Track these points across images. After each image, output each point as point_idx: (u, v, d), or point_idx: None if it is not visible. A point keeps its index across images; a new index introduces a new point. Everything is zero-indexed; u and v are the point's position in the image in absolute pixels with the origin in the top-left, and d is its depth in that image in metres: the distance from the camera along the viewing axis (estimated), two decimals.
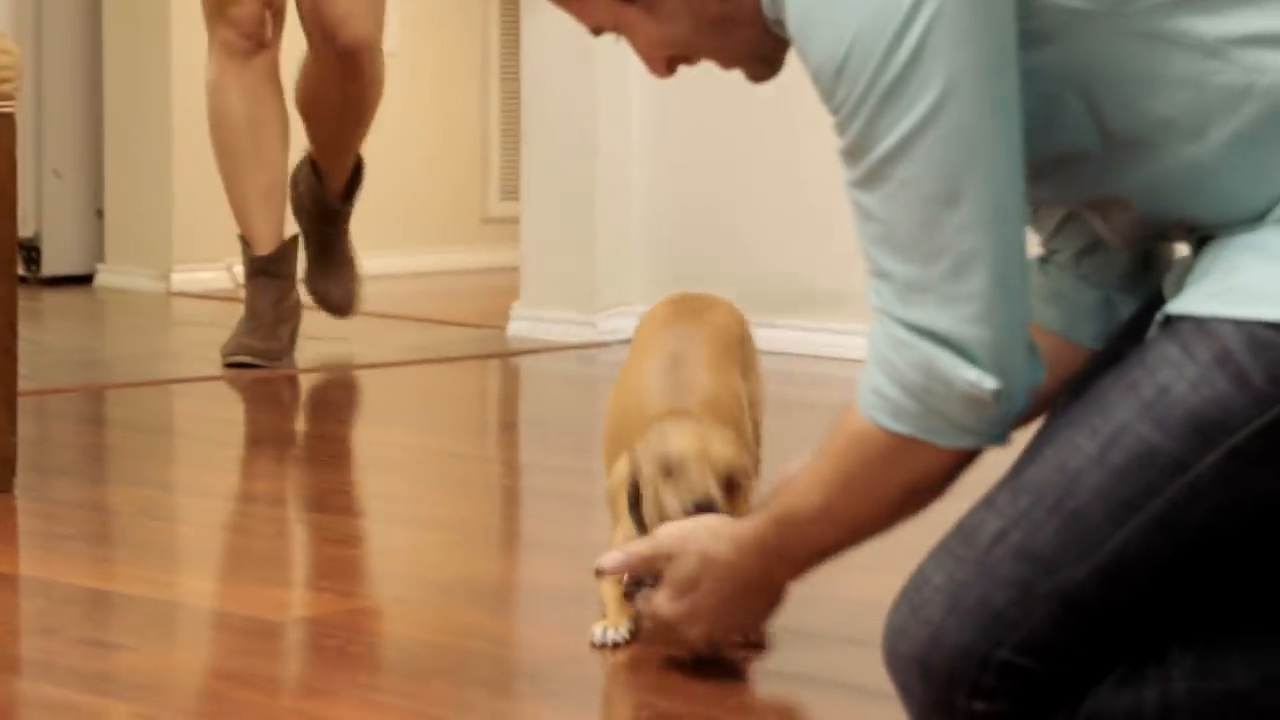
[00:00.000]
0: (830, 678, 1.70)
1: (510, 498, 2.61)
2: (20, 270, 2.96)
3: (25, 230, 4.56)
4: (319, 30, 3.28)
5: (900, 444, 1.40)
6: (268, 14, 3.29)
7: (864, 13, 1.34)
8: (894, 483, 1.43)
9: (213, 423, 2.95)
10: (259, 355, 3.28)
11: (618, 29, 1.53)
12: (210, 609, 1.99)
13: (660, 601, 1.61)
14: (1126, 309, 1.56)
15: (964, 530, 1.41)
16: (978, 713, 1.39)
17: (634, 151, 3.78)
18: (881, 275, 1.39)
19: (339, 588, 2.05)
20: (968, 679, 1.39)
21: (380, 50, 3.34)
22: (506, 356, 3.64)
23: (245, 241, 3.41)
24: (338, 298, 3.55)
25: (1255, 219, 1.38)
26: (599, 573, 1.68)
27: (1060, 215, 1.57)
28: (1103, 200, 1.47)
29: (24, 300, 2.61)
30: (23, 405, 2.47)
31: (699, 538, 1.59)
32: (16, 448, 2.43)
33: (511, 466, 2.81)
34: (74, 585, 2.05)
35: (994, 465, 1.44)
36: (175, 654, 1.85)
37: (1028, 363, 1.40)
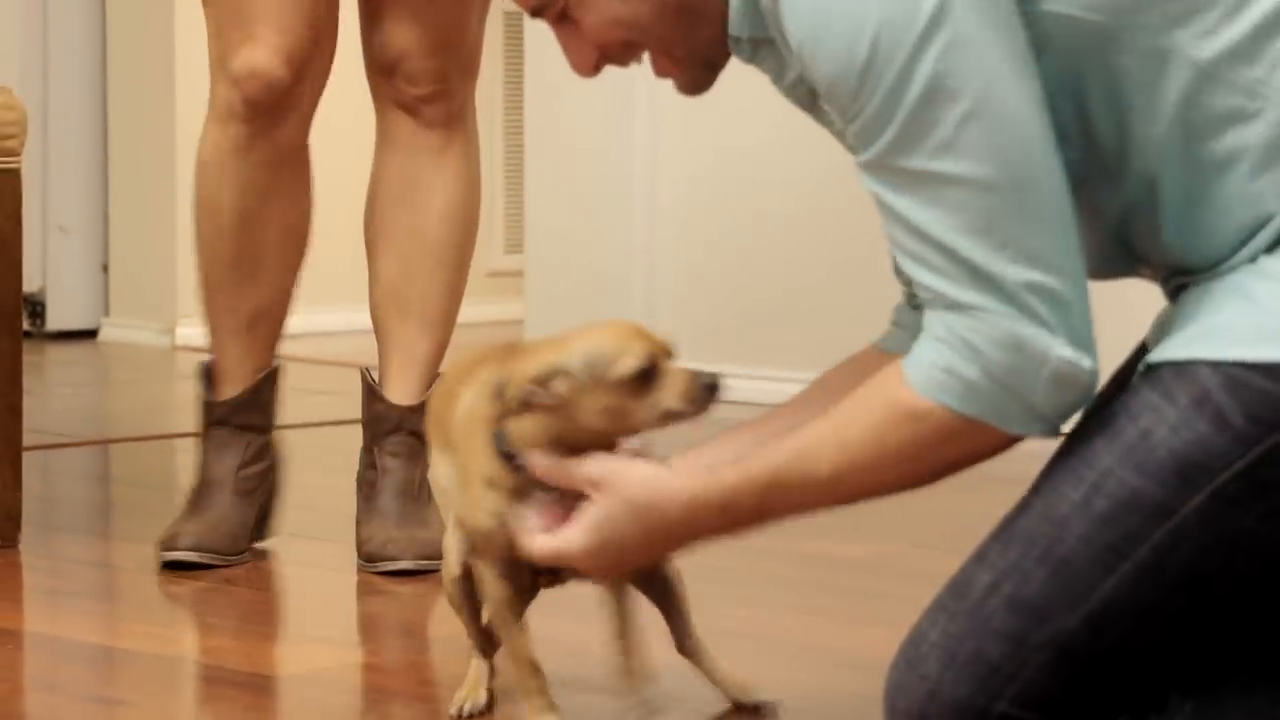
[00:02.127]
0: None
1: None
2: (25, 325, 2.96)
3: (31, 285, 4.58)
4: (377, 63, 2.36)
5: (962, 425, 1.37)
6: (287, 70, 2.28)
7: (879, 18, 1.32)
8: (938, 461, 1.40)
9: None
10: (208, 550, 2.27)
11: (572, 5, 1.45)
12: (213, 664, 2.00)
13: (572, 535, 1.48)
14: None
15: (957, 585, 1.42)
16: None
17: (635, 206, 3.80)
18: (938, 271, 1.35)
19: (341, 642, 2.06)
20: None
21: (470, 121, 2.43)
22: None
23: (206, 377, 2.39)
24: (425, 543, 2.25)
25: (1225, 257, 1.39)
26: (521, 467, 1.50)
27: None
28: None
29: (29, 355, 2.62)
30: (27, 460, 2.48)
31: (633, 484, 1.47)
32: (21, 503, 2.44)
33: None
34: (78, 641, 2.06)
35: (988, 520, 1.45)
36: (178, 710, 1.85)
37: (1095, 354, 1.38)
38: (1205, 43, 1.36)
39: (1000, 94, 1.33)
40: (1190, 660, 1.41)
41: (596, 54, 1.48)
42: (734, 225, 3.72)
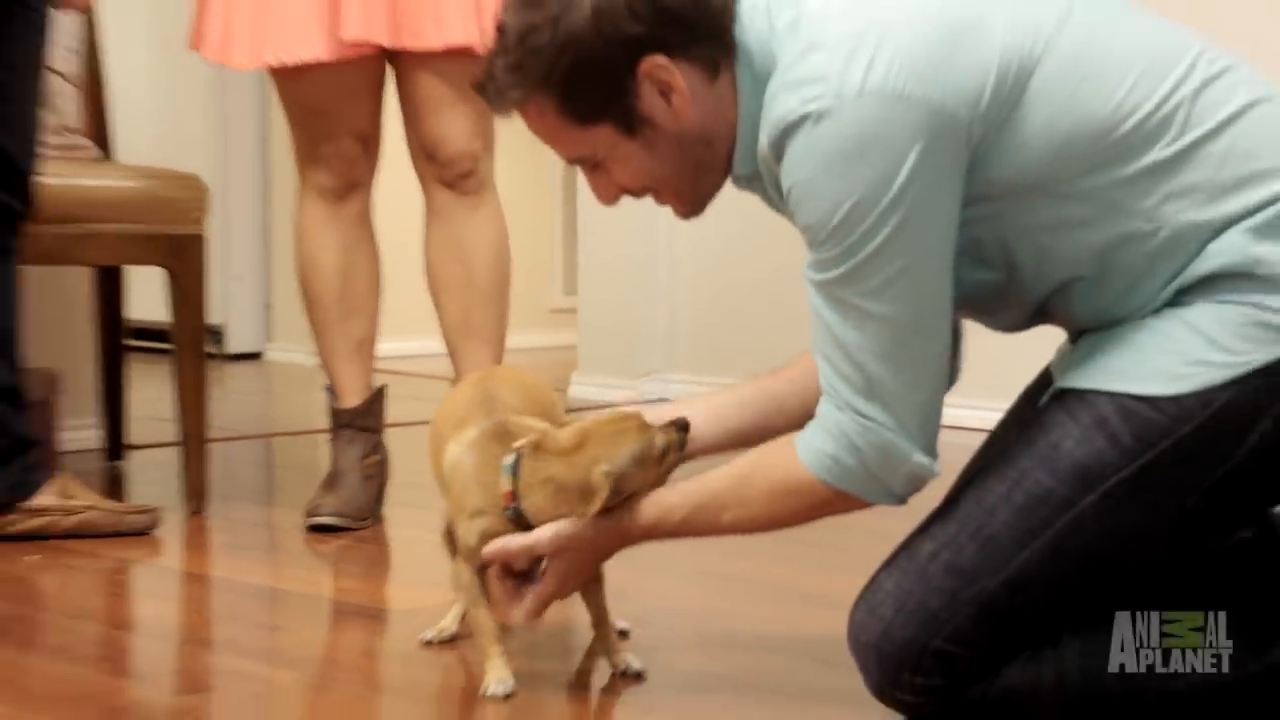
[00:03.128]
0: (807, 654, 1.69)
1: None
2: (209, 349, 2.97)
3: (213, 319, 4.59)
4: (423, 151, 2.34)
5: (836, 496, 1.38)
6: (361, 152, 2.36)
7: (859, 189, 1.28)
8: (811, 517, 1.41)
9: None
10: (343, 516, 2.31)
11: (605, 159, 1.38)
12: (345, 600, 1.99)
13: (546, 588, 1.47)
14: None
15: (907, 550, 1.41)
16: (919, 686, 1.39)
17: (659, 259, 3.79)
18: (844, 377, 1.34)
19: (440, 585, 2.03)
20: (910, 661, 1.38)
21: (492, 186, 2.39)
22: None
23: (332, 393, 2.41)
24: None
25: (1122, 320, 1.37)
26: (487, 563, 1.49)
27: None
28: (993, 305, 1.44)
29: (212, 372, 2.63)
30: (212, 450, 2.49)
31: (574, 538, 1.45)
32: (207, 481, 2.45)
33: None
34: (251, 583, 2.06)
35: (928, 497, 1.43)
36: (319, 634, 1.85)
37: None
38: (1111, 183, 1.33)
39: (924, 262, 1.31)
40: (1080, 610, 1.39)
41: (619, 191, 1.43)
42: (734, 275, 3.71)
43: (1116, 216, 1.33)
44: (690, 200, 1.44)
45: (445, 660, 1.67)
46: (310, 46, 2.24)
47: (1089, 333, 1.40)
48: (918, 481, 1.37)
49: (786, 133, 1.31)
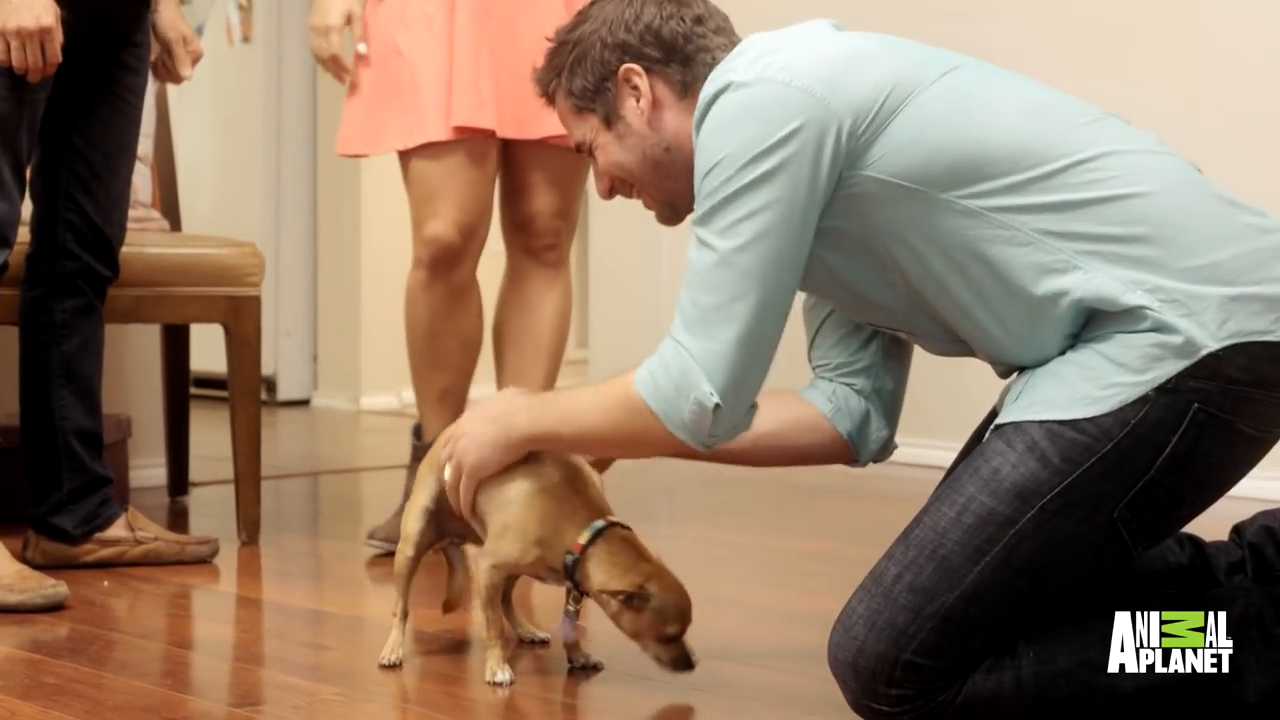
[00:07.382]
0: (792, 669, 1.69)
1: None
2: (263, 396, 2.99)
3: (267, 370, 4.61)
4: (514, 223, 2.37)
5: (645, 411, 1.42)
6: (460, 238, 2.29)
7: (734, 145, 1.37)
8: (630, 430, 1.44)
9: (390, 497, 2.95)
10: (392, 541, 2.26)
11: (594, 147, 1.51)
12: (389, 623, 1.98)
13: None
14: (875, 424, 1.56)
15: (875, 575, 1.42)
16: (893, 696, 1.39)
17: (664, 316, 3.81)
18: (680, 309, 1.41)
19: (468, 607, 2.05)
20: (884, 673, 1.39)
21: (568, 264, 2.40)
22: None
23: (416, 432, 2.41)
24: None
25: (1041, 360, 1.39)
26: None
27: (836, 334, 1.58)
28: (909, 326, 1.47)
29: (265, 416, 2.64)
30: (265, 486, 2.49)
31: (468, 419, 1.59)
32: (260, 514, 2.45)
33: None
34: (297, 606, 2.06)
35: (894, 527, 1.44)
36: (361, 652, 1.84)
37: (744, 414, 1.43)
38: (976, 193, 1.37)
39: (772, 218, 1.37)
40: (1032, 620, 1.40)
41: (609, 182, 1.53)
42: None
43: (980, 225, 1.37)
44: (660, 203, 1.53)
45: (476, 676, 1.67)
46: (425, 130, 2.26)
47: (1020, 374, 1.42)
48: (702, 413, 1.39)
49: (703, 111, 1.42)
